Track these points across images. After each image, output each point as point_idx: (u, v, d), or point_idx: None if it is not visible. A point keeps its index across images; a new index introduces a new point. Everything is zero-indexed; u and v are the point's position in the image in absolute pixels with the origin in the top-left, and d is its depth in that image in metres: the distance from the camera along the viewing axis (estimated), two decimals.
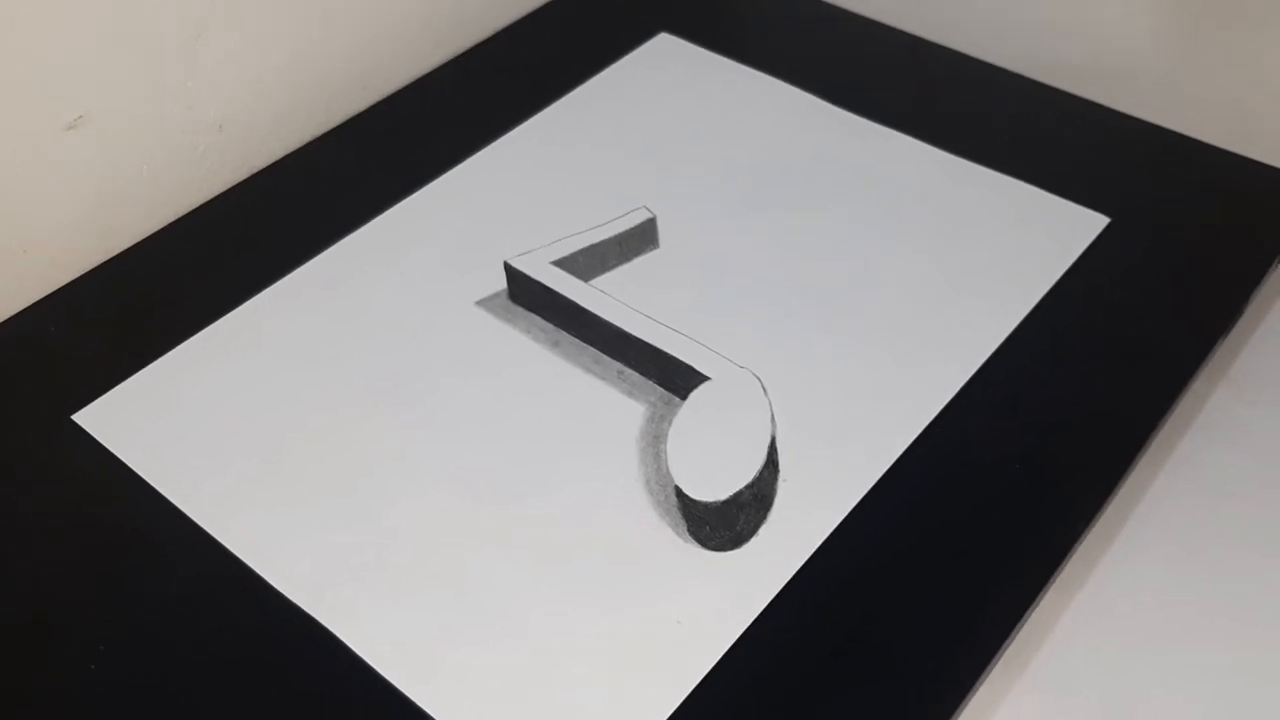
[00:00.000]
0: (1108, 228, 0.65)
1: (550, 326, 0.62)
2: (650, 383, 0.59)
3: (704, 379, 0.57)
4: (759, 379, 0.56)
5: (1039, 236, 0.65)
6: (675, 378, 0.58)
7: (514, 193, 0.69)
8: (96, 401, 0.59)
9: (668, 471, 0.54)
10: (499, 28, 0.82)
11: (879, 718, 0.47)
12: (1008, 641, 0.50)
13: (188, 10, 0.65)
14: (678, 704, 0.47)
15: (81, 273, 0.65)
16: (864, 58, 0.78)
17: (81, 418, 0.58)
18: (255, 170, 0.71)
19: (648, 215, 0.65)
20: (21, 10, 0.59)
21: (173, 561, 0.52)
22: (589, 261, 0.64)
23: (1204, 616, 0.54)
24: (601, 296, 0.60)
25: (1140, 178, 0.69)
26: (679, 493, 0.52)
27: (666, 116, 0.74)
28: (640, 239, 0.65)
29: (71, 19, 0.60)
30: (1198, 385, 0.60)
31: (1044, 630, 0.54)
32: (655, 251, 0.66)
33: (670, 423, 0.56)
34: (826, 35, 0.80)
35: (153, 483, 0.55)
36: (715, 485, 0.52)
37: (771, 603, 0.50)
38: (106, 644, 0.50)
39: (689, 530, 0.52)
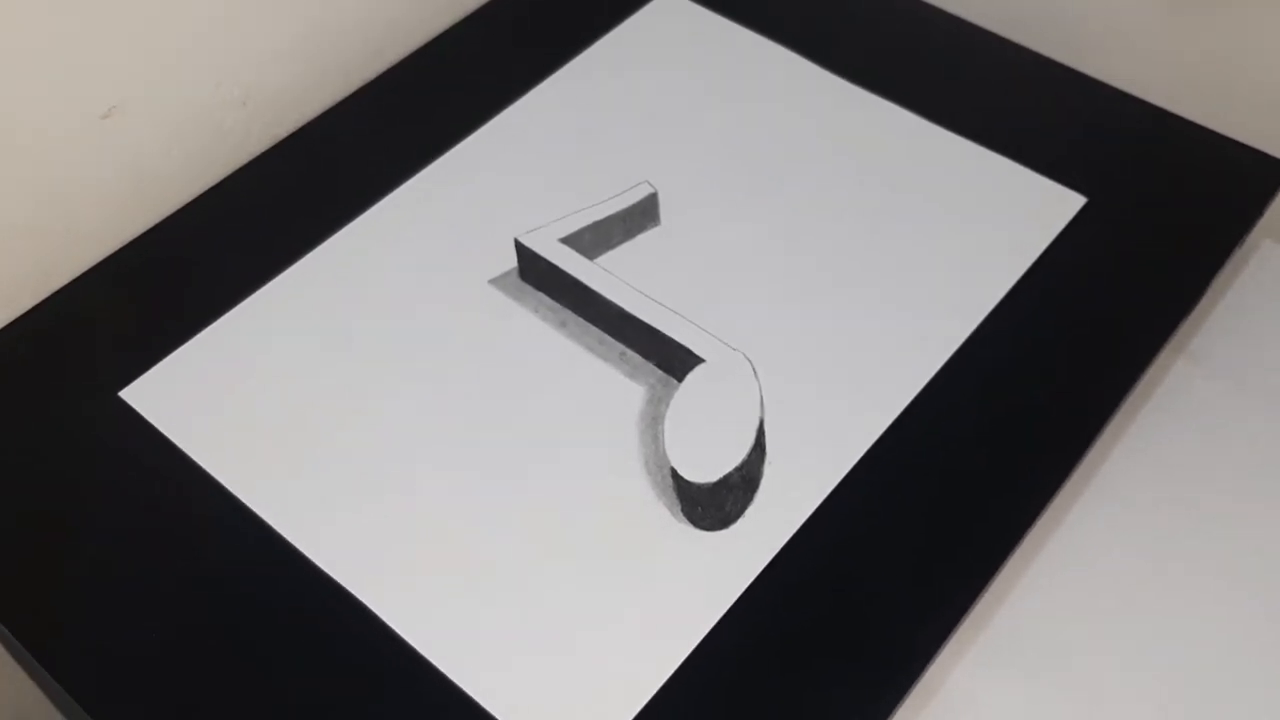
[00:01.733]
0: (1084, 207, 0.69)
1: (558, 306, 0.66)
2: (650, 364, 0.64)
3: (699, 361, 0.61)
4: (750, 362, 0.61)
5: (1019, 216, 0.69)
6: (673, 359, 0.63)
7: (524, 164, 0.73)
8: (141, 378, 0.64)
9: (664, 453, 0.59)
10: None
11: (852, 681, 0.54)
12: (969, 611, 0.56)
13: None
14: (671, 671, 0.53)
15: (117, 248, 0.69)
16: (865, 22, 0.80)
17: (128, 394, 0.63)
18: (278, 140, 0.75)
19: (649, 190, 0.69)
20: (54, 13, 0.62)
21: (217, 535, 0.58)
22: (594, 238, 0.68)
23: (1157, 586, 0.60)
24: (606, 276, 0.64)
25: (1119, 153, 0.72)
26: (674, 474, 0.58)
27: (668, 86, 0.77)
28: (642, 215, 0.69)
29: (102, 17, 0.64)
30: (1158, 360, 0.65)
31: (999, 598, 0.59)
32: (656, 228, 0.70)
33: (667, 405, 0.61)
34: None
35: (195, 458, 0.60)
36: (706, 467, 0.57)
37: (756, 580, 0.56)
38: (156, 617, 0.56)
39: (683, 510, 0.58)
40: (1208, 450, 0.64)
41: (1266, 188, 0.70)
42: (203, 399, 0.63)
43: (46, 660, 0.55)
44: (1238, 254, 0.69)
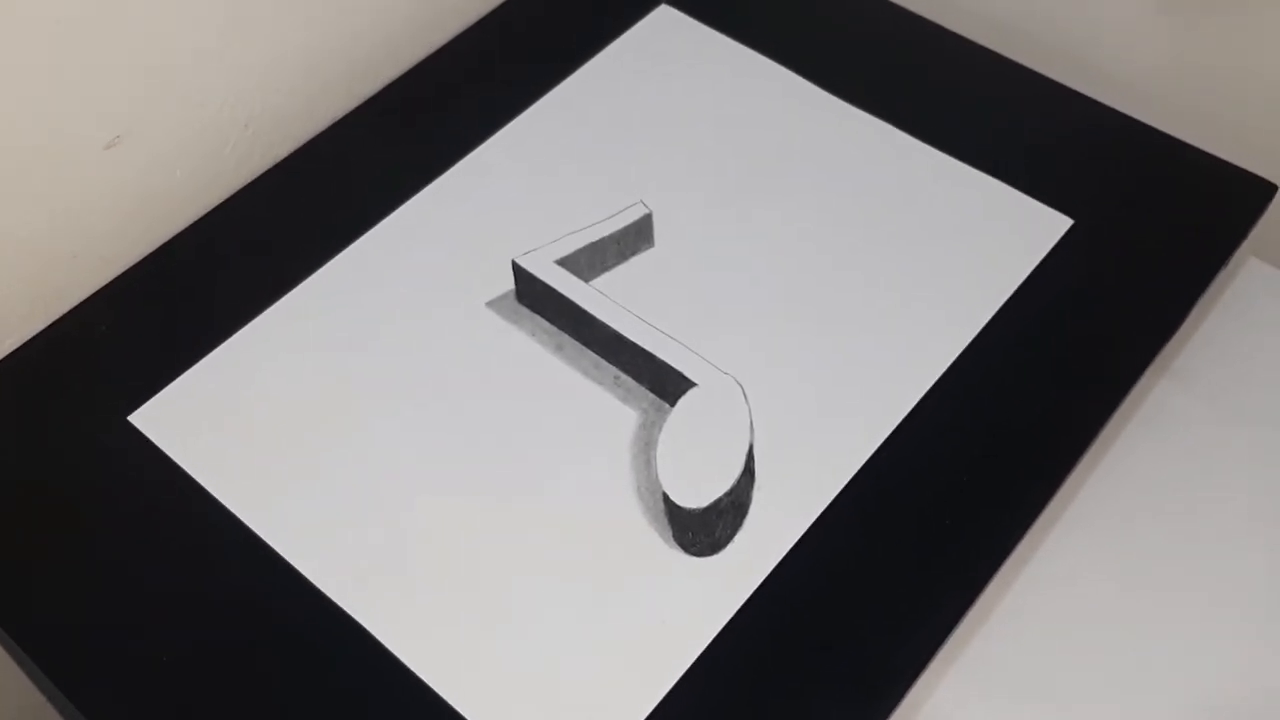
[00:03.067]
0: (1070, 229, 0.70)
1: (554, 329, 0.68)
2: (643, 388, 0.65)
3: (691, 385, 0.63)
4: (740, 386, 0.62)
5: (1005, 239, 0.70)
6: (665, 383, 0.64)
7: (521, 183, 0.74)
8: (150, 402, 0.65)
9: (656, 478, 0.61)
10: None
11: (837, 704, 0.55)
12: (953, 631, 0.58)
13: (211, 20, 0.69)
14: (661, 696, 0.55)
15: (122, 271, 0.71)
16: (863, 40, 0.81)
17: (137, 418, 0.65)
18: (278, 160, 0.76)
19: (644, 211, 0.70)
20: (56, 47, 0.63)
21: (221, 558, 0.60)
22: (590, 259, 0.69)
23: (1139, 607, 0.61)
24: (600, 298, 0.66)
25: (1106, 172, 0.73)
26: (666, 499, 0.59)
27: (663, 103, 0.78)
28: (637, 235, 0.71)
29: (103, 49, 0.65)
30: (1141, 379, 0.66)
31: (980, 620, 0.61)
32: (650, 248, 0.71)
33: (660, 429, 0.63)
34: (825, 10, 0.83)
35: (202, 481, 0.62)
36: (696, 493, 0.59)
37: (743, 605, 0.57)
38: (161, 635, 0.58)
39: (674, 535, 0.60)
40: (1191, 470, 0.65)
41: (1252, 207, 0.71)
42: (207, 423, 0.64)
43: (53, 673, 0.57)
44: (1222, 272, 0.70)
